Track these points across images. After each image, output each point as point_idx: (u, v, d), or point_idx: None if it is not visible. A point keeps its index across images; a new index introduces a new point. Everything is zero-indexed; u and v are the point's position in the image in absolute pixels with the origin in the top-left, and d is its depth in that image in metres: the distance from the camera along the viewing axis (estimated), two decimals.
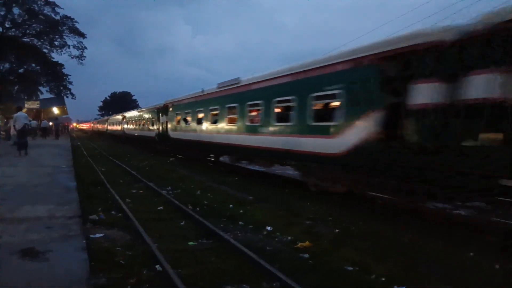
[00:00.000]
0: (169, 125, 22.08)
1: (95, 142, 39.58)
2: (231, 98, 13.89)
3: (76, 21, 39.88)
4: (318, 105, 9.48)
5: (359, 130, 7.79)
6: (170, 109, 22.01)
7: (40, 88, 47.06)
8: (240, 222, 7.21)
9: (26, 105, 30.05)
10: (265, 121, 11.38)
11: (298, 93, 9.84)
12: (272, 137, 10.97)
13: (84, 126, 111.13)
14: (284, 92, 10.55)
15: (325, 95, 8.94)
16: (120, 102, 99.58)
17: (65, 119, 61.67)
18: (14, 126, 16.08)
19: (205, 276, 4.55)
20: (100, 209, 7.58)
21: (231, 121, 13.74)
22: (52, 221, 5.77)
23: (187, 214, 7.54)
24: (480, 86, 5.59)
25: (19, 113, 16.01)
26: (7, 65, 40.69)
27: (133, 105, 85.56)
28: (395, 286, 4.41)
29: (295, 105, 9.99)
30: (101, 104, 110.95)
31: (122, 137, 40.02)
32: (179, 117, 20.41)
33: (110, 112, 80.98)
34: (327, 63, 8.96)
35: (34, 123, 29.73)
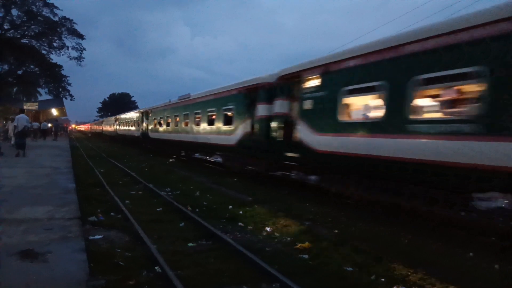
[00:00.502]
0: (149, 127, 27.44)
1: (93, 143, 39.54)
2: (185, 108, 19.25)
3: (74, 23, 39.97)
4: (226, 115, 14.54)
5: (240, 130, 13.12)
6: (150, 114, 27.39)
7: (39, 89, 47.16)
8: (240, 223, 7.21)
9: (24, 107, 29.99)
10: (204, 125, 16.54)
11: (216, 106, 15.37)
12: (208, 135, 16.21)
13: (83, 127, 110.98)
14: (210, 106, 16.05)
15: (228, 108, 14.41)
16: (119, 103, 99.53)
17: (64, 121, 61.65)
18: (15, 126, 16.13)
19: (205, 277, 4.55)
20: (99, 210, 7.57)
21: (186, 124, 19.04)
22: (51, 222, 5.75)
23: (186, 215, 7.53)
24: (278, 106, 10.93)
25: (21, 115, 16.36)
26: (6, 67, 40.73)
27: (132, 106, 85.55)
28: (395, 287, 4.41)
29: (216, 114, 15.42)
30: (100, 105, 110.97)
31: (115, 137, 42.88)
32: (155, 121, 25.83)
33: (109, 114, 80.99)
34: (228, 89, 14.56)
35: (35, 124, 31.09)
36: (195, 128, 17.52)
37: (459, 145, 6.06)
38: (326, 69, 9.08)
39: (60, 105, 43.57)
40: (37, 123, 32.21)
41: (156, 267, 4.67)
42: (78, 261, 4.27)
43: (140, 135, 29.41)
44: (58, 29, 39.62)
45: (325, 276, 4.73)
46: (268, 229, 6.76)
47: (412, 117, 6.83)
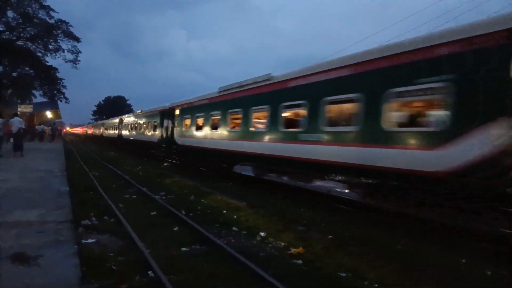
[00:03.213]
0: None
1: (88, 147, 39.34)
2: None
3: (70, 25, 39.97)
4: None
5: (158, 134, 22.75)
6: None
7: (34, 92, 46.96)
8: (234, 228, 7.20)
9: (19, 109, 30.35)
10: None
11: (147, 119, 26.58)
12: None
13: (78, 130, 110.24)
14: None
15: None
16: (114, 106, 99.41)
17: (58, 123, 61.45)
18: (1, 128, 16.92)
19: (198, 282, 4.53)
20: (92, 214, 7.51)
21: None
22: (44, 226, 5.73)
23: (180, 220, 7.50)
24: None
25: (15, 118, 17.80)
26: (0, 69, 40.52)
27: (127, 110, 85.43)
28: None
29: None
30: (95, 108, 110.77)
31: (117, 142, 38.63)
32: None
33: (104, 117, 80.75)
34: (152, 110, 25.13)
35: (40, 128, 34.35)
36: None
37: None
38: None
39: (54, 108, 43.47)
40: (42, 126, 34.55)
41: (149, 272, 4.65)
42: (70, 265, 4.26)
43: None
44: (54, 32, 39.56)
45: (318, 281, 4.73)
46: (262, 234, 6.75)
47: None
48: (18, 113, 21.43)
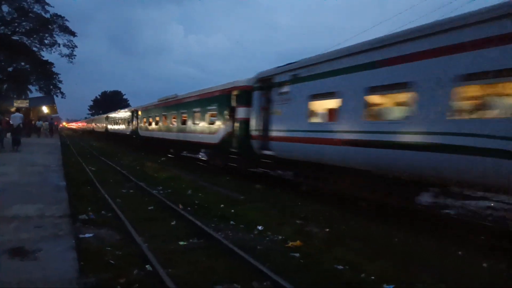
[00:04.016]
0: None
1: (84, 141, 39.25)
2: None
3: (66, 20, 39.70)
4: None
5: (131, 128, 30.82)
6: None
7: (30, 86, 46.74)
8: (232, 222, 7.22)
9: (15, 104, 30.20)
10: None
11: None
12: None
13: (74, 125, 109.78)
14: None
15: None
16: (110, 101, 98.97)
17: (55, 118, 61.20)
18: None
19: (196, 275, 4.55)
20: (90, 208, 7.53)
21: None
22: (42, 220, 5.72)
23: (178, 214, 7.52)
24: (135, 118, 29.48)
25: (16, 113, 19.35)
26: None
27: (124, 105, 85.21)
28: (385, 285, 4.45)
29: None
30: (91, 103, 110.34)
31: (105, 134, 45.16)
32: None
33: (100, 112, 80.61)
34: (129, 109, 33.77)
35: (39, 123, 35.98)
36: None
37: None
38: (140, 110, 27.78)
39: (51, 103, 43.18)
40: (40, 122, 35.64)
41: (147, 266, 4.66)
42: (68, 259, 4.25)
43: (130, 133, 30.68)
44: (50, 26, 39.32)
45: (316, 274, 4.76)
46: (259, 227, 6.77)
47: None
48: (14, 108, 21.82)
